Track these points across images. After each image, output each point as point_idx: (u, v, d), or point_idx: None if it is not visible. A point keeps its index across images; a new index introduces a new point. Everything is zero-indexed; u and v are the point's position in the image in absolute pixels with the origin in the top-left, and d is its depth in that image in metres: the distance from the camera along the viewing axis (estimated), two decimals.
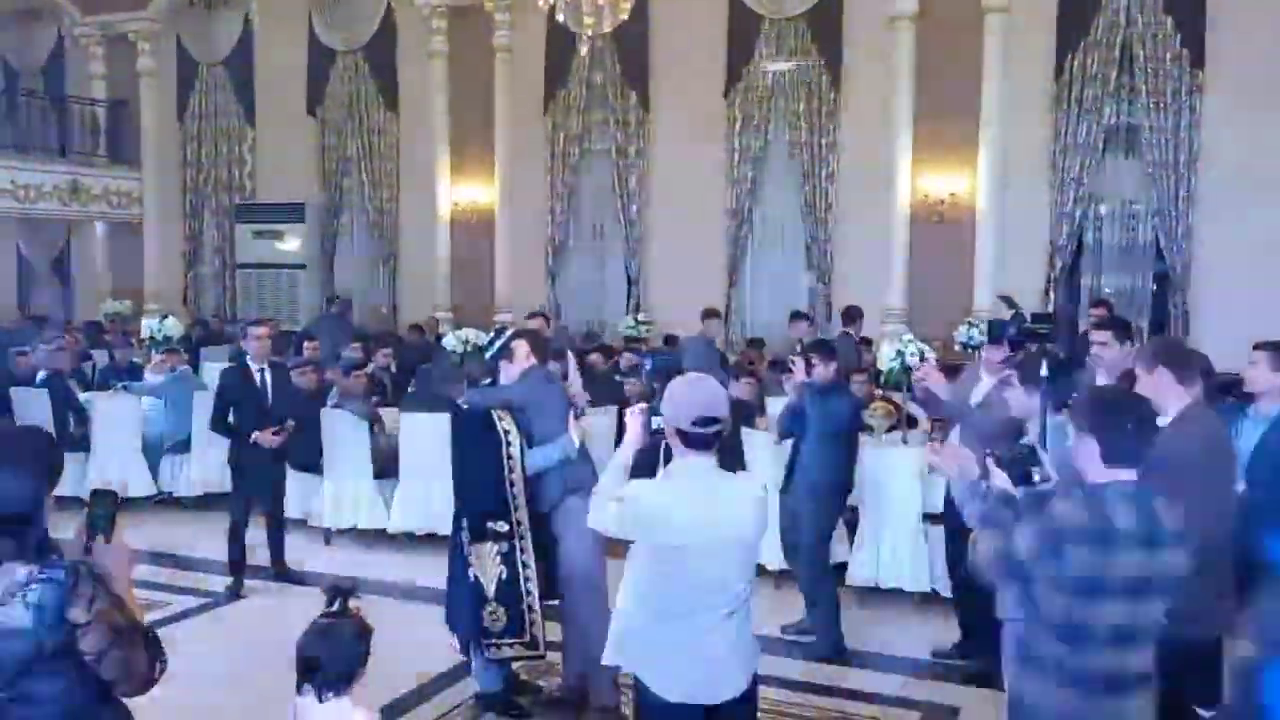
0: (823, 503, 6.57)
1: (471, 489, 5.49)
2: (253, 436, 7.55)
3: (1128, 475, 3.08)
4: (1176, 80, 11.36)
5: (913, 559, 7.27)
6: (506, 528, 5.36)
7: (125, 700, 2.66)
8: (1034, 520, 3.10)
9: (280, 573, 7.83)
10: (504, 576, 5.38)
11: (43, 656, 2.40)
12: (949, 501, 6.30)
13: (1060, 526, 3.02)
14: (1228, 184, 11.16)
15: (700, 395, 3.47)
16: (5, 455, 2.51)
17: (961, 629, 6.46)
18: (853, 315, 11.26)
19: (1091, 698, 3.06)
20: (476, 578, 5.40)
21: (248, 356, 7.91)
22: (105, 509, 2.68)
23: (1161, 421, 4.22)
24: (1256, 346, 5.29)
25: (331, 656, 3.16)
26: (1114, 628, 3.03)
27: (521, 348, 5.62)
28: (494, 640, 5.43)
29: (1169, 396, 4.26)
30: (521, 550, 5.38)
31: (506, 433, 5.38)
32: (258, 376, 7.73)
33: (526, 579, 5.38)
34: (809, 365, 6.59)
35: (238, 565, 7.64)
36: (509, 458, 5.36)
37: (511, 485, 5.36)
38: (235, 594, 7.53)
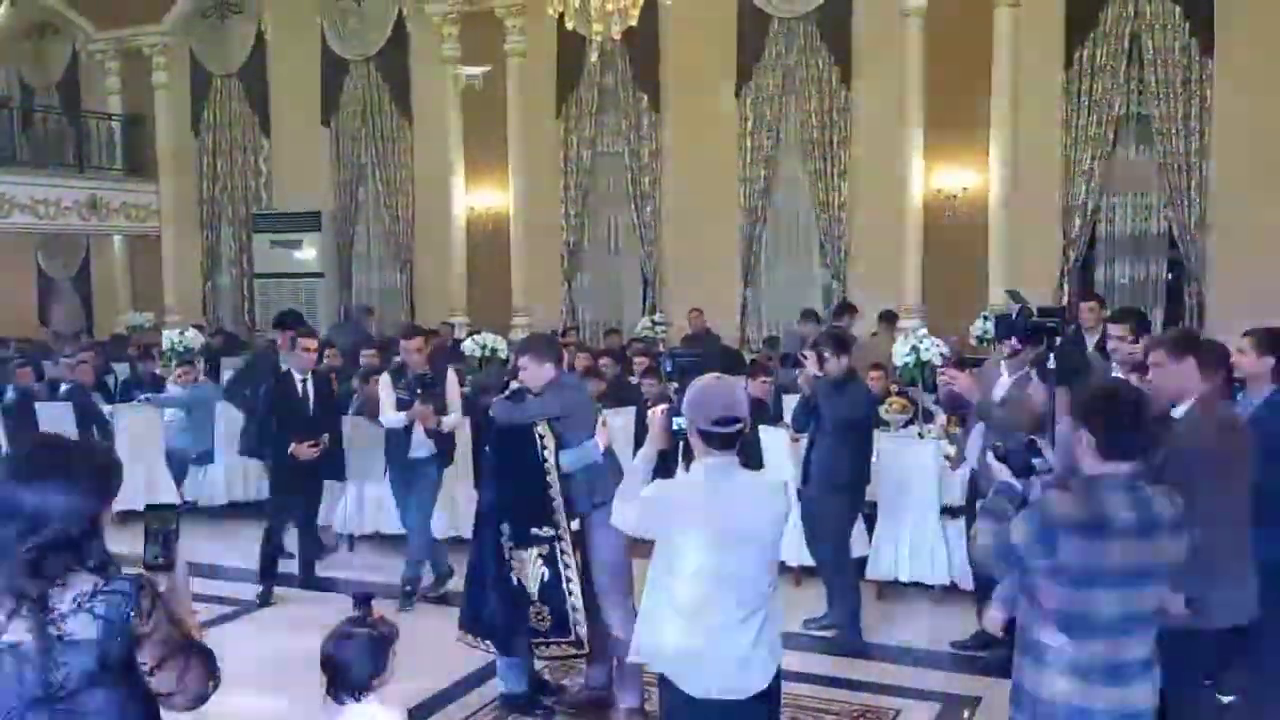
0: (840, 496, 6.62)
1: (513, 497, 5.54)
2: (290, 449, 7.58)
3: (1124, 467, 3.12)
4: (1186, 70, 11.37)
5: (932, 552, 7.31)
6: (552, 532, 5.42)
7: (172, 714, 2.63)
8: (1030, 511, 3.15)
9: (309, 580, 7.91)
10: (546, 578, 5.45)
11: (106, 668, 2.40)
12: (972, 492, 6.35)
13: (1055, 517, 3.06)
14: (1240, 172, 11.16)
15: (720, 395, 3.51)
16: (60, 470, 2.49)
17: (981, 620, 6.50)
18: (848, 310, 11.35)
19: (1092, 686, 3.10)
20: (520, 581, 5.48)
21: (290, 367, 7.89)
22: (165, 525, 2.64)
23: (1177, 412, 4.27)
24: (1245, 334, 5.28)
25: (350, 661, 3.25)
26: (1112, 617, 3.07)
27: None
28: (542, 639, 5.51)
29: (1189, 386, 4.29)
30: (562, 551, 5.44)
31: (542, 437, 5.45)
32: (300, 387, 7.77)
33: (568, 579, 5.44)
34: (821, 359, 6.62)
35: (268, 573, 7.71)
36: (545, 462, 5.43)
37: (549, 488, 5.43)
38: (265, 601, 7.61)
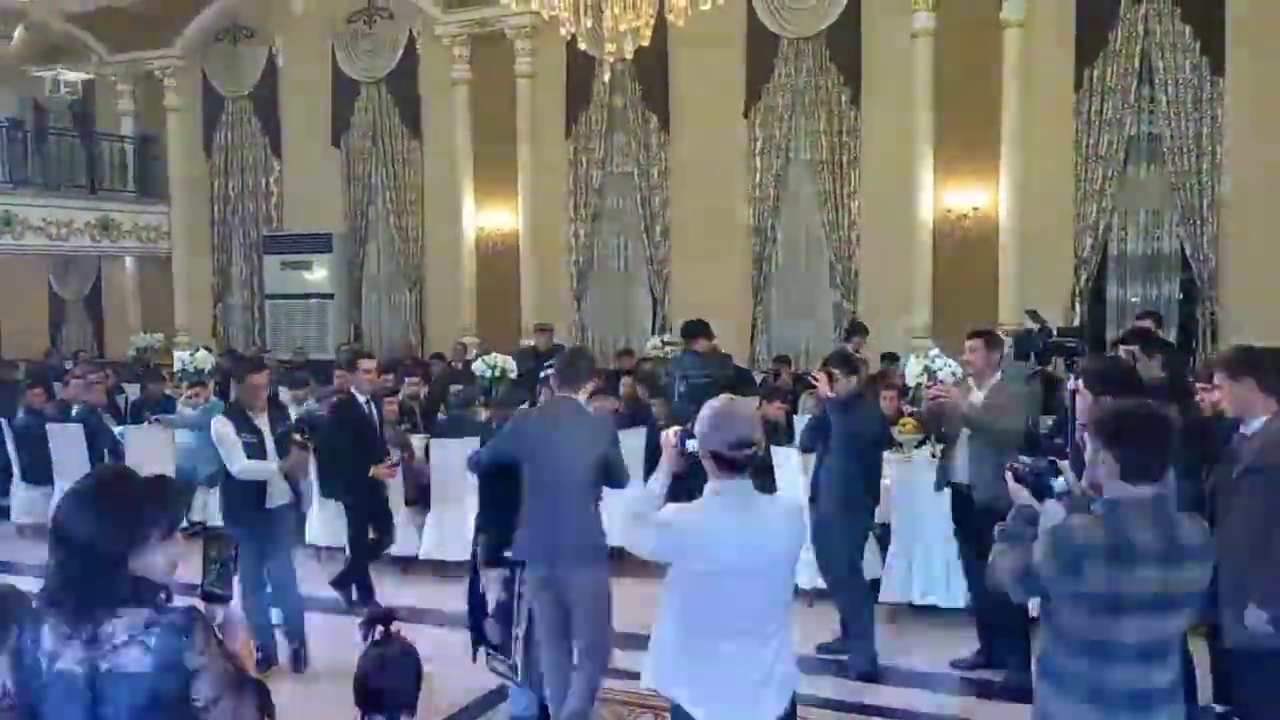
0: (850, 516, 6.57)
1: (492, 517, 5.63)
2: (371, 471, 7.55)
3: (1148, 490, 3.05)
4: (1196, 88, 11.35)
5: (945, 575, 7.26)
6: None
7: None
8: (1052, 535, 3.08)
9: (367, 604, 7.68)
10: (501, 599, 5.55)
11: (157, 704, 2.35)
12: (972, 511, 6.31)
13: (1078, 542, 3.00)
14: (1252, 190, 11.13)
15: (734, 418, 3.47)
16: (90, 497, 2.46)
17: (980, 639, 6.47)
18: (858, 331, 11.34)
19: (1115, 714, 3.04)
20: (484, 591, 5.65)
21: (353, 388, 7.83)
22: (223, 553, 2.59)
23: (1247, 429, 4.30)
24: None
25: (393, 685, 3.20)
26: (1136, 643, 3.01)
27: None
28: (492, 650, 5.64)
29: (1255, 405, 4.29)
30: (521, 581, 5.48)
31: None
32: (367, 408, 7.75)
33: (518, 610, 5.50)
34: (831, 379, 6.58)
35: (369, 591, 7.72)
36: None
37: None
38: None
